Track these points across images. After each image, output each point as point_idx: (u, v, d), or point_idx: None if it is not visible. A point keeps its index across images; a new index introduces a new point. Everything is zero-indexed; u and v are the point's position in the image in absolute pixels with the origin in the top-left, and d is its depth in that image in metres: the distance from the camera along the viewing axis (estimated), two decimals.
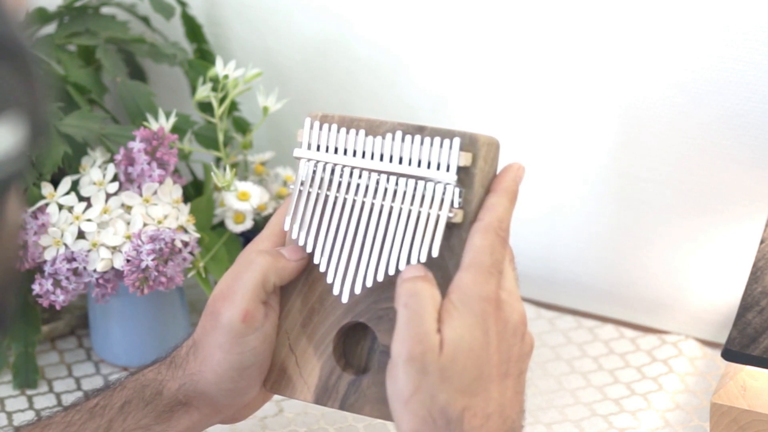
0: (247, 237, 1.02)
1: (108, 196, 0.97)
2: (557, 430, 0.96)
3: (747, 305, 0.88)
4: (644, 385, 1.01)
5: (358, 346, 0.80)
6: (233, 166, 1.05)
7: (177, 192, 0.98)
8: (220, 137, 1.03)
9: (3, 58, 0.47)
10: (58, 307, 0.95)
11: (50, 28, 1.10)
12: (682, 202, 1.05)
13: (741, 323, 0.87)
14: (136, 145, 0.97)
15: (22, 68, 0.47)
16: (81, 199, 0.97)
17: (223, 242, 1.02)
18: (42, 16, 1.09)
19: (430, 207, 0.76)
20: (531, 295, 1.12)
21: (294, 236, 0.79)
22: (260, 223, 1.03)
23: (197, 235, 0.97)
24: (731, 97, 1.00)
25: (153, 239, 0.93)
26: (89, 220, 0.96)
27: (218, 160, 1.07)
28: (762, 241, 0.94)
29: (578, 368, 1.04)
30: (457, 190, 0.75)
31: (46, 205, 0.96)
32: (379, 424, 0.96)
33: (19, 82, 0.47)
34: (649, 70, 1.02)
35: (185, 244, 0.96)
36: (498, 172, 0.78)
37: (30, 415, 0.98)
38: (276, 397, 0.98)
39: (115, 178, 0.98)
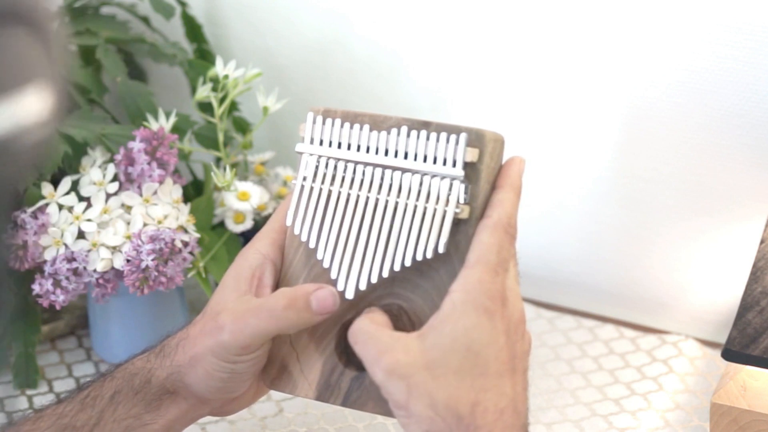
0: (247, 237, 1.02)
1: (108, 196, 0.97)
2: (557, 430, 0.96)
3: (747, 305, 0.88)
4: (644, 385, 1.01)
5: None
6: (233, 166, 1.05)
7: (177, 192, 0.98)
8: (220, 137, 1.03)
9: (25, 26, 0.46)
10: (58, 307, 0.95)
11: None
12: (682, 202, 1.05)
13: (741, 323, 0.87)
14: (136, 145, 0.97)
15: (44, 37, 0.47)
16: (81, 199, 0.97)
17: (223, 242, 1.02)
18: None
19: (437, 203, 0.75)
20: (531, 295, 1.12)
21: (296, 231, 0.79)
22: (260, 223, 1.03)
23: (197, 235, 0.97)
24: (731, 97, 1.00)
25: (153, 239, 0.93)
26: (89, 220, 0.95)
27: (218, 160, 1.07)
28: (762, 241, 0.94)
29: (578, 368, 1.04)
30: (463, 186, 0.75)
31: (46, 205, 0.96)
32: (380, 425, 0.96)
33: (41, 50, 0.47)
34: (650, 70, 1.02)
35: (185, 244, 0.96)
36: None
37: None
38: (276, 396, 0.98)
39: (115, 178, 0.98)
